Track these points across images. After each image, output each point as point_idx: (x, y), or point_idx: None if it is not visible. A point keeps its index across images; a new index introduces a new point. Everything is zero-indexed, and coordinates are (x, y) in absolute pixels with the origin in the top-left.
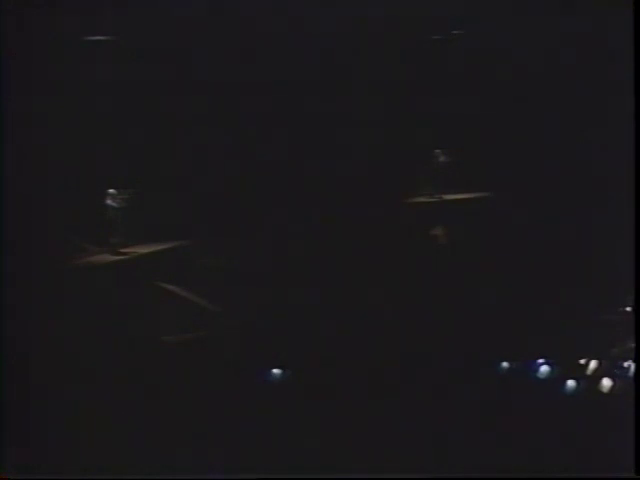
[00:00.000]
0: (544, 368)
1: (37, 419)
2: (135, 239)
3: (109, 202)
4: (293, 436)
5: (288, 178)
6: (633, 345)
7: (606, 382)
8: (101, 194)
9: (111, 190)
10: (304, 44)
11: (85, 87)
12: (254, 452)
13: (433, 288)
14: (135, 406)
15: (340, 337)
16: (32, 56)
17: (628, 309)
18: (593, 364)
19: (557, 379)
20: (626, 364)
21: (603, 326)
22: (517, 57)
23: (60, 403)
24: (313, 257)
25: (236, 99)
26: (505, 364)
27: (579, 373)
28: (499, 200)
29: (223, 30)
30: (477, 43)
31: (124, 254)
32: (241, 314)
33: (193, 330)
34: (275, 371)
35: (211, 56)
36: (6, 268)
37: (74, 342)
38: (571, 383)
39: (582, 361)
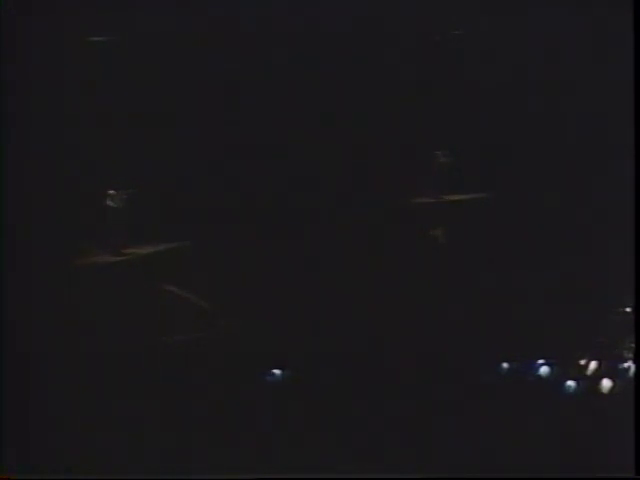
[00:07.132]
0: (544, 368)
1: (37, 419)
2: (135, 239)
3: (109, 202)
4: (293, 436)
5: (289, 178)
6: (633, 345)
7: (606, 382)
8: (101, 194)
9: (111, 190)
10: (304, 43)
11: (85, 87)
12: (254, 452)
13: (433, 288)
14: (135, 406)
15: (340, 337)
16: (32, 56)
17: (628, 309)
18: (593, 364)
19: (557, 379)
20: (626, 364)
21: (603, 326)
22: (517, 57)
23: (60, 403)
24: (314, 257)
25: (237, 98)
26: (505, 364)
27: (579, 373)
28: (499, 201)
29: (223, 29)
30: (477, 43)
31: (124, 254)
32: (241, 314)
33: (193, 330)
34: (275, 371)
35: (211, 55)
36: (6, 268)
37: (74, 342)
38: (571, 383)
39: (582, 361)
